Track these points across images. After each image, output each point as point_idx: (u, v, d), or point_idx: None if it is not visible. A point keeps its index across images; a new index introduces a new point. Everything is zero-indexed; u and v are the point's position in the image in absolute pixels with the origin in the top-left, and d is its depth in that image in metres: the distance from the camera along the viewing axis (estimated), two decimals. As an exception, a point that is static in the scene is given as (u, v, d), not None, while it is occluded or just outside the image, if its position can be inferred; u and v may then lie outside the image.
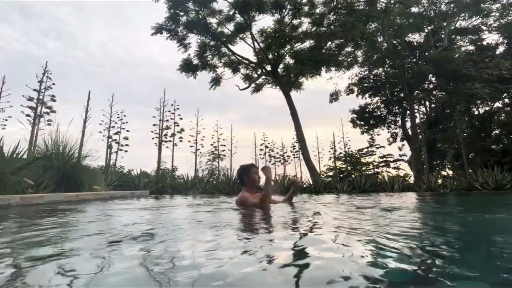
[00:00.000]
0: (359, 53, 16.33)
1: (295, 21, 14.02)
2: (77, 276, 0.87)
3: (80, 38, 24.88)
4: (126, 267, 0.96)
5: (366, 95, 17.51)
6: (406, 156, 18.75)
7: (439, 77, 14.12)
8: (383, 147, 18.89)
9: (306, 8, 13.74)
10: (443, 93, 15.79)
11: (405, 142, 18.08)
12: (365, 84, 17.41)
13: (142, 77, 28.98)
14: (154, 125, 12.09)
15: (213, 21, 13.81)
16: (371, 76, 17.66)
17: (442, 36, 15.82)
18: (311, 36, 14.07)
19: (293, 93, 15.20)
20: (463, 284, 0.81)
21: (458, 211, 3.60)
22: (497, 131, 18.23)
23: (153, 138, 12.01)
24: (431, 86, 16.27)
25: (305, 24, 14.23)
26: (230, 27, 14.08)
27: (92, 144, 8.95)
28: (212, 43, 14.28)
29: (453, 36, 16.81)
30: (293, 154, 15.11)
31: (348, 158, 16.76)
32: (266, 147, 14.76)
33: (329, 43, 14.50)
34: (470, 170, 12.84)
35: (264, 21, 31.08)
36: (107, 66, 27.15)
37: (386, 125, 18.00)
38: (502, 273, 0.92)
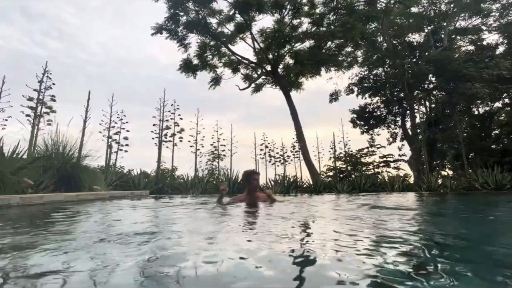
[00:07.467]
0: (359, 53, 16.30)
1: (295, 21, 14.00)
2: (76, 276, 0.87)
3: (81, 38, 24.86)
4: (125, 266, 0.96)
5: (366, 95, 17.50)
6: (406, 156, 18.75)
7: (439, 77, 14.10)
8: (383, 147, 18.89)
9: (306, 8, 13.72)
10: (443, 93, 15.77)
11: (405, 142, 18.07)
12: (365, 84, 17.39)
13: (142, 77, 28.92)
14: (154, 125, 12.08)
15: (213, 21, 13.79)
16: (371, 76, 17.65)
17: (442, 36, 15.81)
18: (311, 36, 14.04)
19: (293, 93, 15.18)
20: (463, 284, 0.81)
21: (458, 211, 3.60)
22: (497, 131, 18.22)
23: (153, 138, 12.01)
24: (431, 86, 16.26)
25: (305, 24, 14.22)
26: (230, 27, 14.07)
27: (92, 144, 8.92)
28: (212, 43, 14.25)
29: (453, 36, 16.80)
30: (293, 154, 15.07)
31: (348, 158, 16.74)
32: (266, 147, 14.73)
33: (329, 43, 14.47)
34: (470, 170, 12.84)
35: (264, 21, 31.06)
36: (108, 66, 27.08)
37: (386, 125, 17.99)
38: (502, 273, 0.92)
